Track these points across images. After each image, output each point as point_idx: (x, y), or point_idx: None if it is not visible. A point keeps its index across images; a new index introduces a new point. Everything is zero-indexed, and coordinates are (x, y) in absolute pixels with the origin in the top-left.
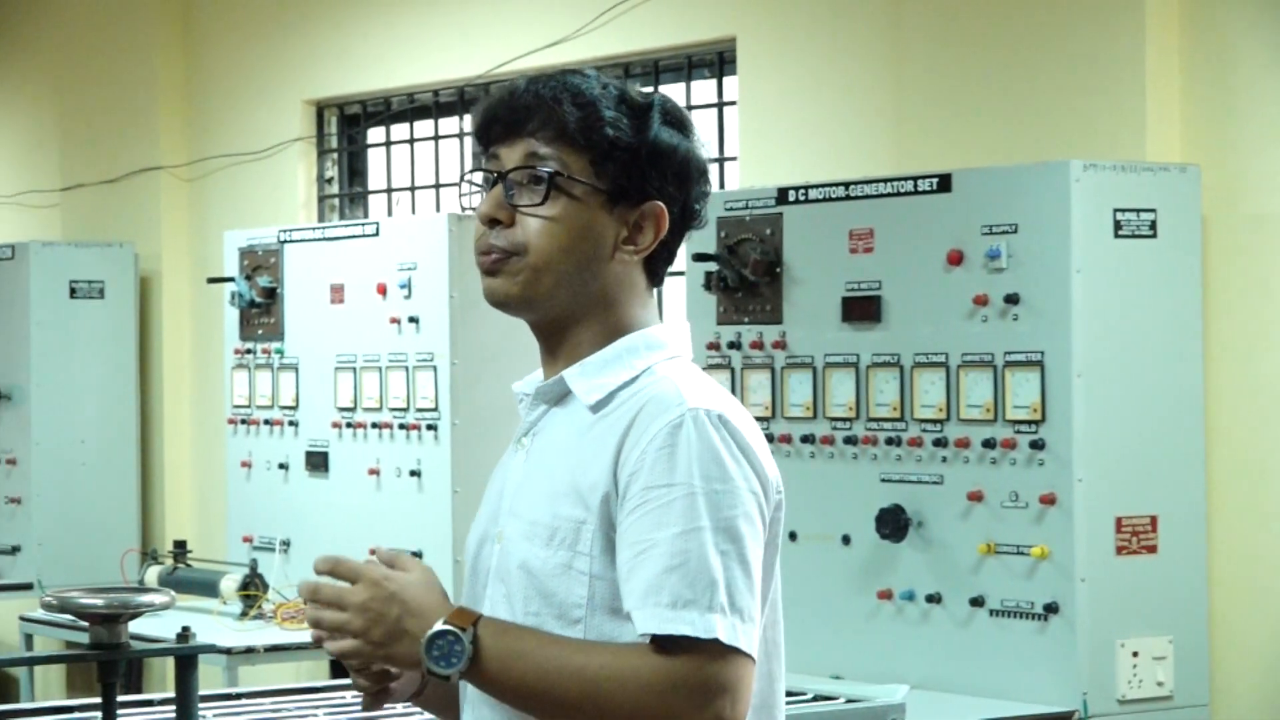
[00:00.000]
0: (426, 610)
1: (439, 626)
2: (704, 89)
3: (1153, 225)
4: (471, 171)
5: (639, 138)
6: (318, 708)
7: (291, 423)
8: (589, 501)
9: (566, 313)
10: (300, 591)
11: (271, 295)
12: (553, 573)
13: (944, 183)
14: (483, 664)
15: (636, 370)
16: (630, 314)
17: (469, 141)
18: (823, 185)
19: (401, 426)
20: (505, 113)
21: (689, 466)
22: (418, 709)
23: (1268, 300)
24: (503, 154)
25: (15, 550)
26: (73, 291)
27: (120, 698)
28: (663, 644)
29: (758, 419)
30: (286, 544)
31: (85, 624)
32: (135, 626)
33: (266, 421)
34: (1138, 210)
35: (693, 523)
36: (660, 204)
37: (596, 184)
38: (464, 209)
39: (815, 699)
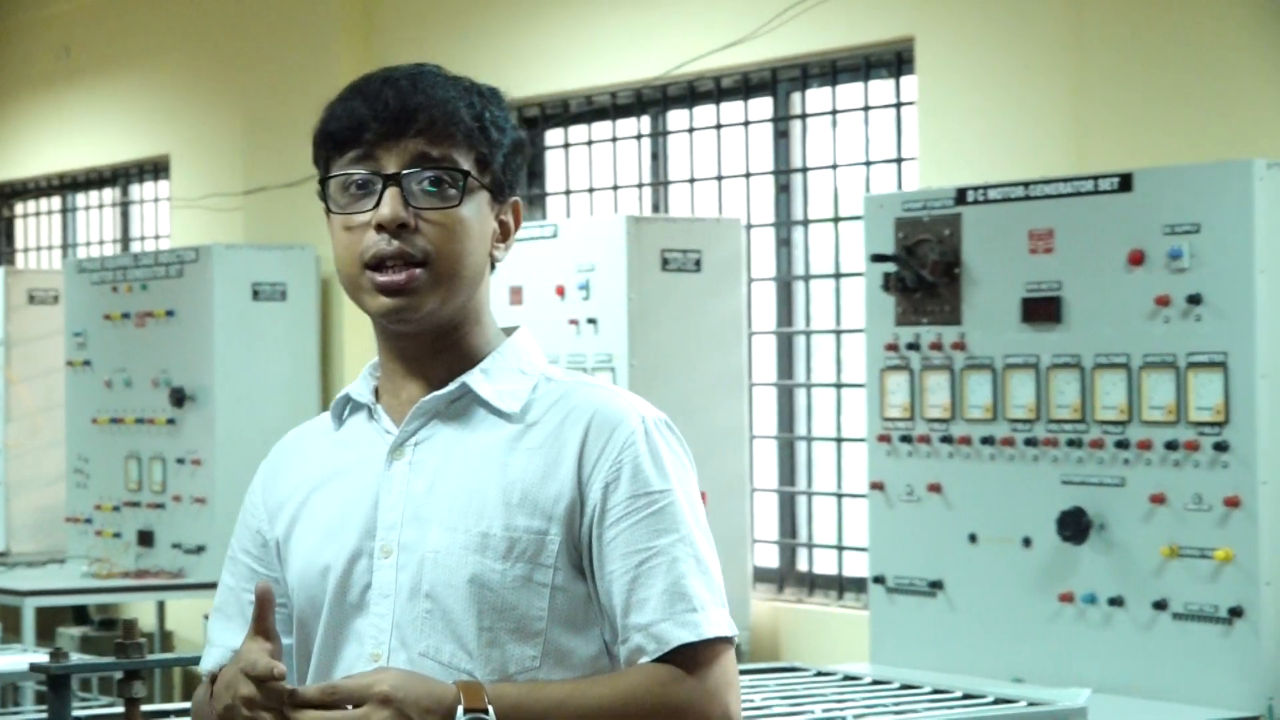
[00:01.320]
0: (438, 700)
1: (461, 717)
2: (882, 89)
3: None
4: (337, 175)
5: (511, 132)
6: None
7: None
8: (552, 513)
9: (453, 318)
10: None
11: None
12: (512, 586)
13: (1125, 182)
14: None
15: (534, 376)
16: (490, 314)
17: (647, 142)
18: (1002, 185)
19: None
20: (390, 112)
21: (666, 472)
22: None
23: None
24: (382, 155)
25: (200, 550)
26: (255, 293)
27: None
28: (677, 653)
29: (936, 420)
30: None
31: None
32: None
33: None
34: None
35: (687, 526)
36: (518, 197)
37: (484, 183)
38: (355, 213)
39: (996, 702)
